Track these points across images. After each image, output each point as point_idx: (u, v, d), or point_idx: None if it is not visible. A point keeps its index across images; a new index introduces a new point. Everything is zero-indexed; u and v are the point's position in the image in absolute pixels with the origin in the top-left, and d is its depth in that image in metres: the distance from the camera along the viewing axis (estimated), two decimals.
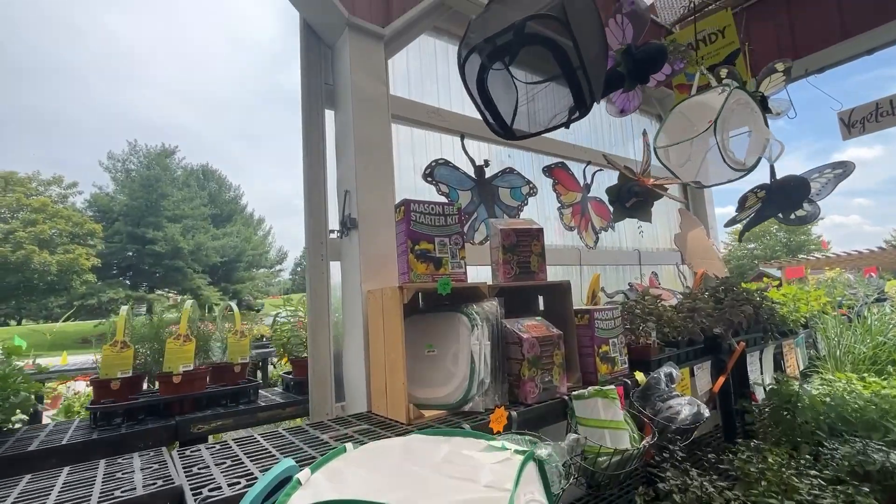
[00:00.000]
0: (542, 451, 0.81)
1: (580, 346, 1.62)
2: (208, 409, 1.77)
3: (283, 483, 0.72)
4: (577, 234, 2.71)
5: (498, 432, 1.16)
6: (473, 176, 2.23)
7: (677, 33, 3.25)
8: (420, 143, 2.12)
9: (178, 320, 1.83)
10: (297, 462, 0.95)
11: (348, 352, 1.72)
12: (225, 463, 1.04)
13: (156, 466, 1.04)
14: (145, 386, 1.88)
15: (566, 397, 1.40)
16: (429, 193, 2.05)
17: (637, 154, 3.26)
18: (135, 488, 0.90)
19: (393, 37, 1.94)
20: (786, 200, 2.53)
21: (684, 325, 1.95)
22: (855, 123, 2.86)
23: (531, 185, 2.42)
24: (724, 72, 2.13)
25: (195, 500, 0.83)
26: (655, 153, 2.02)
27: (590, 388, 1.36)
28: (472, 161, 2.24)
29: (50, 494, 0.92)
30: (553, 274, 2.44)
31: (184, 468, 1.01)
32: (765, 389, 2.12)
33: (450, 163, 2.13)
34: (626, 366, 1.69)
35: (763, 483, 1.41)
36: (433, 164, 2.07)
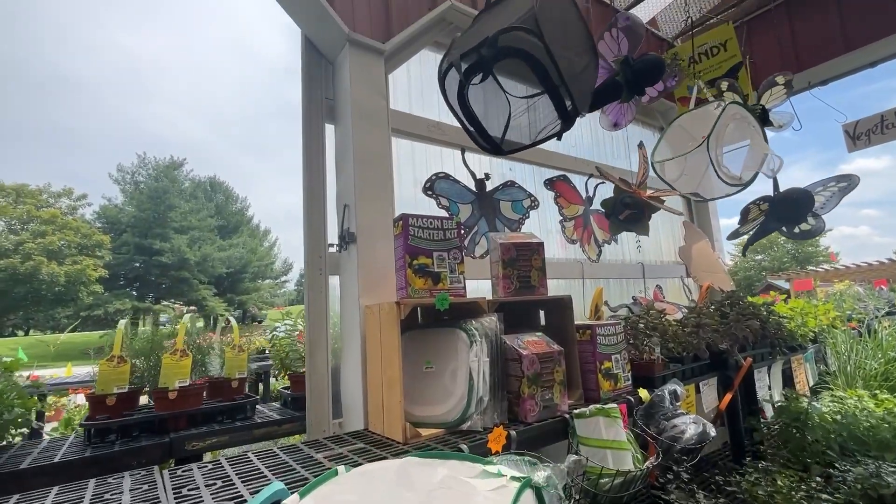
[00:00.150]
0: (540, 477, 0.78)
1: (582, 363, 1.58)
2: (204, 425, 1.74)
3: None
4: (579, 247, 2.69)
5: (497, 452, 1.13)
6: (474, 189, 2.22)
7: (679, 47, 3.26)
8: (421, 157, 2.12)
9: (176, 333, 1.82)
10: (288, 484, 0.93)
11: (346, 368, 1.70)
12: (216, 484, 1.02)
13: (145, 487, 1.02)
14: (143, 400, 1.87)
15: (567, 416, 1.36)
16: (429, 207, 2.05)
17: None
18: None
19: (393, 52, 1.95)
20: (789, 213, 2.49)
21: (689, 340, 1.91)
22: (860, 135, 2.83)
23: (533, 198, 2.41)
24: (724, 84, 2.12)
25: None
26: (653, 166, 2.01)
27: (591, 406, 1.33)
28: (473, 174, 2.24)
29: None
30: (556, 287, 2.41)
31: (173, 489, 0.99)
32: (773, 406, 2.07)
33: (450, 176, 2.13)
34: (630, 383, 1.65)
35: None
36: (433, 177, 2.07)
